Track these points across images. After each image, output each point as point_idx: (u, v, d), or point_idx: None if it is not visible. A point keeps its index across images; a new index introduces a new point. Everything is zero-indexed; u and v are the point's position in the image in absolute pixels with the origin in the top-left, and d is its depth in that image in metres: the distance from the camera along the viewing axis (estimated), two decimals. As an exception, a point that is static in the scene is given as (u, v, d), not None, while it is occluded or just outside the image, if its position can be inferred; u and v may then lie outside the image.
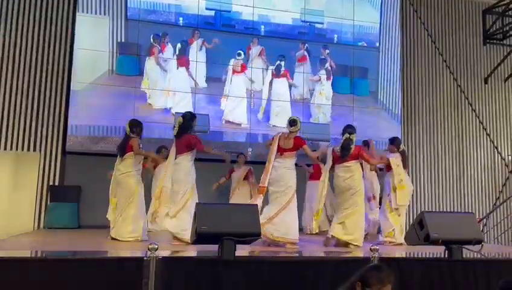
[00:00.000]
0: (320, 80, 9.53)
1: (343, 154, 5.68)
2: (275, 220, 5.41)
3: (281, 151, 5.64)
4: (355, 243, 5.55)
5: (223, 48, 9.09)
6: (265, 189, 5.57)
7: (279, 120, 8.93)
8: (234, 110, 8.99)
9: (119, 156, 6.01)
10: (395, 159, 6.30)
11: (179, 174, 5.48)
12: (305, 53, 9.53)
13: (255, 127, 9.07)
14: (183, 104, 8.67)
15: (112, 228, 5.91)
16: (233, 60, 9.11)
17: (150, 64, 8.74)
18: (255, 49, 9.29)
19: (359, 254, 4.91)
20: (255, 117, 9.13)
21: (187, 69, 8.89)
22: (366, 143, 7.00)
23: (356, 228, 5.62)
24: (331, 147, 6.04)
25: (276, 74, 9.29)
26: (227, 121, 8.95)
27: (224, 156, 6.31)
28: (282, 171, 5.58)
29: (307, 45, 9.57)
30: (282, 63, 9.32)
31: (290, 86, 9.36)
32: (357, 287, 2.33)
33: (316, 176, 7.39)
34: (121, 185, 5.91)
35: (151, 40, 8.77)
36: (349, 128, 5.82)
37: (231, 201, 7.71)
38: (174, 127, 5.69)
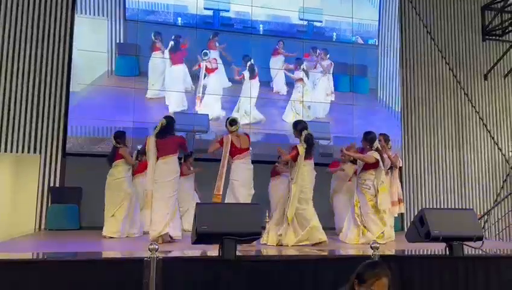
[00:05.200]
0: (302, 80, 9.42)
1: (311, 150, 5.60)
2: None
3: (240, 151, 5.67)
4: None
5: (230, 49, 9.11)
6: (221, 197, 5.52)
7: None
8: (212, 109, 8.92)
9: (108, 165, 6.53)
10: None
11: (171, 176, 5.54)
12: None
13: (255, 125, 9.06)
14: (181, 104, 8.75)
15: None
16: (203, 62, 8.98)
17: (153, 61, 8.76)
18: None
19: (359, 251, 4.91)
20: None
21: (184, 66, 8.88)
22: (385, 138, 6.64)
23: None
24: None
25: (251, 75, 9.18)
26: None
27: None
28: (248, 172, 5.66)
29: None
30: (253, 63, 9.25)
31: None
32: (355, 285, 2.34)
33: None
34: (114, 188, 6.38)
35: (153, 37, 8.78)
36: (304, 123, 5.75)
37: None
38: (155, 128, 5.75)
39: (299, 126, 5.70)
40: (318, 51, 9.61)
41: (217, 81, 9.02)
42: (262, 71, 9.27)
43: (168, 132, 5.69)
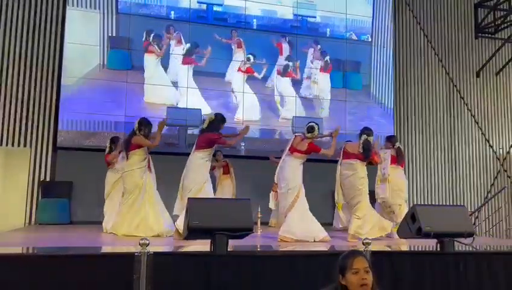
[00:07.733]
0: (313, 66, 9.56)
1: (367, 155, 5.73)
2: (285, 219, 5.40)
3: (292, 149, 5.63)
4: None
5: (215, 42, 9.06)
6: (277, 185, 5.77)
7: (288, 113, 9.28)
8: (250, 108, 9.05)
9: (124, 152, 5.96)
10: (384, 154, 6.35)
11: (189, 171, 5.48)
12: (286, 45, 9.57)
13: (248, 122, 9.04)
14: (181, 100, 8.76)
15: (107, 222, 6.04)
16: (241, 62, 9.12)
17: (147, 59, 8.69)
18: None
19: (350, 247, 4.91)
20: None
21: (190, 67, 8.90)
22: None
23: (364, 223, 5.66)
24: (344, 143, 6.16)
25: (283, 73, 9.34)
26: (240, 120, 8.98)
27: (242, 132, 6.07)
28: (287, 169, 5.57)
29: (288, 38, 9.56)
30: (290, 64, 9.36)
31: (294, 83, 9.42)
32: (341, 281, 2.40)
33: None
34: (124, 181, 5.88)
35: (150, 39, 8.70)
36: (366, 130, 5.90)
37: (216, 195, 7.75)
38: (204, 121, 5.66)
39: (362, 131, 5.94)
40: (313, 44, 9.62)
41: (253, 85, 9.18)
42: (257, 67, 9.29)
43: (212, 128, 5.55)
